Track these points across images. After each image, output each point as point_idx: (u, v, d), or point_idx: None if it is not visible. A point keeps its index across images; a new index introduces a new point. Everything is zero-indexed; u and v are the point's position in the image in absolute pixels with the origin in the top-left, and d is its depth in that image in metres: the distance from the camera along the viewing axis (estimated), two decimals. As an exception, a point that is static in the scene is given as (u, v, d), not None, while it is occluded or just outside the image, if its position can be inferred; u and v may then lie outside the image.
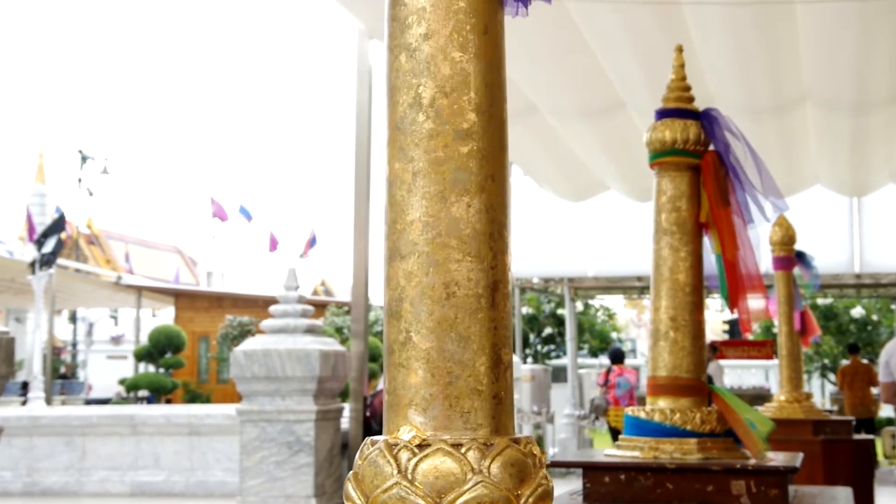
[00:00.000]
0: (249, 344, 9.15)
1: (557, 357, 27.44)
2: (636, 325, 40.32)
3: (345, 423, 9.76)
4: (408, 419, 1.17)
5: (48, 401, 18.97)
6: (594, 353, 29.87)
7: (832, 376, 25.72)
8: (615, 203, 14.00)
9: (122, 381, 24.41)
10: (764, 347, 15.42)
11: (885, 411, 18.94)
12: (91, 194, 35.03)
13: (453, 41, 1.19)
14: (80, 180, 34.02)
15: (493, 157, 1.20)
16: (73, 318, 35.75)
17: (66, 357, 33.61)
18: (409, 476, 1.13)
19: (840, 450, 6.00)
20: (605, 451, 3.43)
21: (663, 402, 3.28)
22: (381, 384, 13.81)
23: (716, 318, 25.81)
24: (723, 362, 16.13)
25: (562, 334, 24.50)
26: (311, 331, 9.30)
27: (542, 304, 26.46)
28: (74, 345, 35.63)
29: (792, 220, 6.23)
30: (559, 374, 22.84)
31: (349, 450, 9.64)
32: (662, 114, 3.43)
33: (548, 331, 26.96)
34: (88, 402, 24.11)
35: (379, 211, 1.27)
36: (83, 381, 30.49)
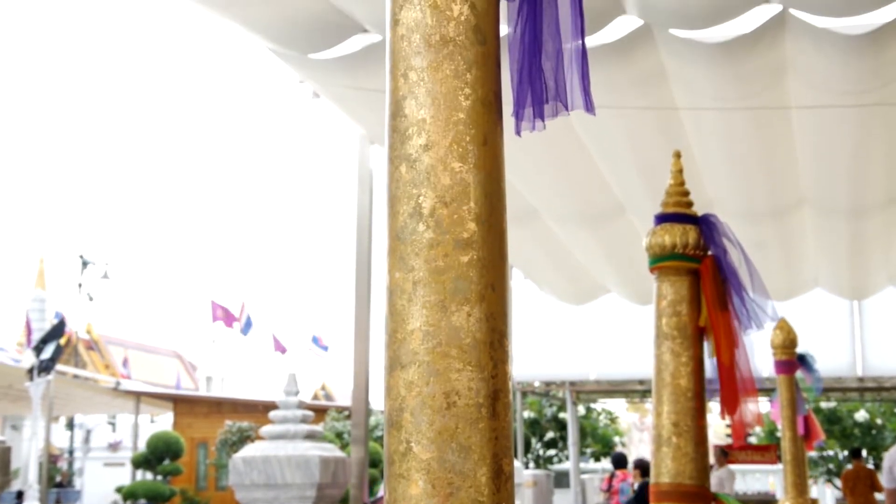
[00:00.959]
0: (248, 450, 9.06)
1: (560, 462, 27.15)
2: (639, 429, 40.00)
3: (345, 530, 9.61)
4: (409, 531, 1.15)
5: (43, 510, 18.70)
6: (597, 458, 29.56)
7: (838, 481, 25.42)
8: (616, 306, 13.99)
9: (118, 490, 24.11)
10: (768, 452, 15.26)
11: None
12: (91, 299, 35.02)
13: (453, 152, 1.20)
14: (80, 285, 34.04)
15: (494, 266, 1.20)
16: (70, 425, 35.47)
17: (63, 465, 33.25)
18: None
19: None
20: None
21: (667, 510, 3.24)
22: (381, 490, 13.64)
23: (718, 422, 25.62)
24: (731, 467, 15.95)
25: (564, 438, 24.28)
26: (311, 436, 9.21)
27: (544, 408, 26.27)
28: (71, 452, 35.29)
29: (793, 324, 6.22)
30: (562, 480, 22.57)
31: (349, 558, 9.48)
32: (662, 218, 3.45)
33: (550, 435, 26.72)
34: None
35: (379, 317, 1.26)
36: (79, 490, 30.12)
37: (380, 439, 19.04)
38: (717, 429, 26.00)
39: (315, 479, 8.70)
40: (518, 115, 1.33)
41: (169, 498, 22.40)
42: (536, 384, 18.60)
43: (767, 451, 15.31)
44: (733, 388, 3.35)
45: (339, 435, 20.78)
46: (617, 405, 31.10)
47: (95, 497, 29.93)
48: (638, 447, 39.65)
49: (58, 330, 22.07)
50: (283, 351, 34.81)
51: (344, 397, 31.54)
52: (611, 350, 16.14)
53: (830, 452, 25.80)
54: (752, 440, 14.98)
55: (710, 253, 3.40)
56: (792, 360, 6.16)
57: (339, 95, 7.52)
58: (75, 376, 28.58)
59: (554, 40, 1.37)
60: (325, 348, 35.79)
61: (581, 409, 24.73)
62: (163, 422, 30.87)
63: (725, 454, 14.68)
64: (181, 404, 27.18)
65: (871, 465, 17.21)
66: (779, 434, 7.62)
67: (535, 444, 26.70)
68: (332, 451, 9.25)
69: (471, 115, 1.24)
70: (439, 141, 1.23)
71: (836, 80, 6.68)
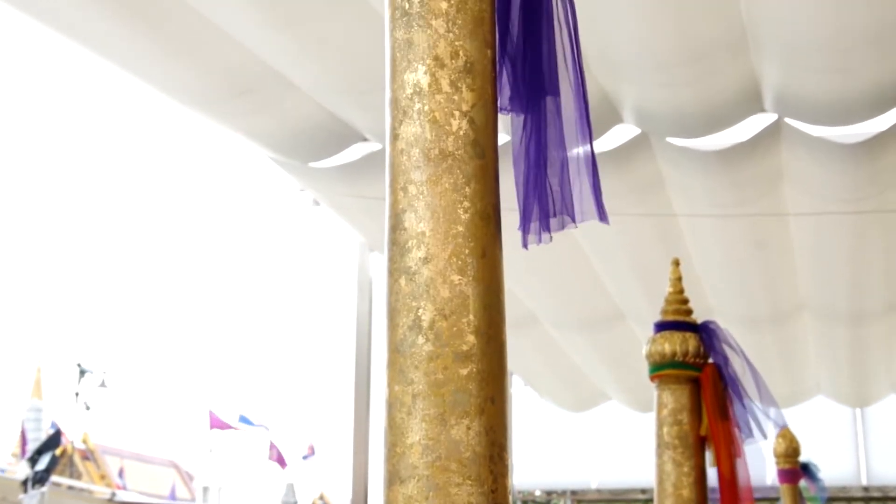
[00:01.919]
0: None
1: (562, 573, 26.66)
2: (642, 539, 39.38)
3: None
4: None
5: None
6: (599, 569, 29.03)
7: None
8: (617, 414, 13.88)
9: None
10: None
11: None
12: (88, 408, 34.77)
13: (452, 265, 1.21)
14: (77, 394, 33.82)
15: (493, 379, 1.20)
16: (64, 537, 34.89)
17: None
18: None
19: None
20: None
21: None
22: None
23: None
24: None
25: (566, 549, 23.88)
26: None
27: (546, 518, 25.89)
28: (66, 564, 34.65)
29: (795, 432, 6.17)
30: (564, 592, 22.13)
31: None
32: (661, 326, 3.45)
33: (551, 546, 26.30)
34: None
35: (379, 427, 1.26)
36: None
37: (379, 550, 18.70)
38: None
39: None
40: (524, 229, 1.34)
41: None
42: (537, 493, 18.35)
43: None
44: (734, 500, 3.32)
45: (337, 546, 20.45)
46: (619, 514, 30.66)
47: None
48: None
49: (53, 440, 21.88)
50: (282, 462, 34.48)
51: (343, 507, 31.10)
52: (612, 458, 15.96)
53: (837, 562, 25.32)
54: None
55: (710, 361, 3.39)
56: (795, 469, 6.10)
57: (339, 203, 7.58)
58: (70, 487, 28.24)
59: (559, 151, 1.38)
60: (311, 455, 35.35)
61: (583, 519, 24.34)
62: (159, 533, 30.37)
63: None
64: (177, 515, 26.79)
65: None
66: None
67: (537, 554, 26.26)
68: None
69: (470, 229, 1.25)
70: (438, 254, 1.24)
71: (832, 187, 6.74)
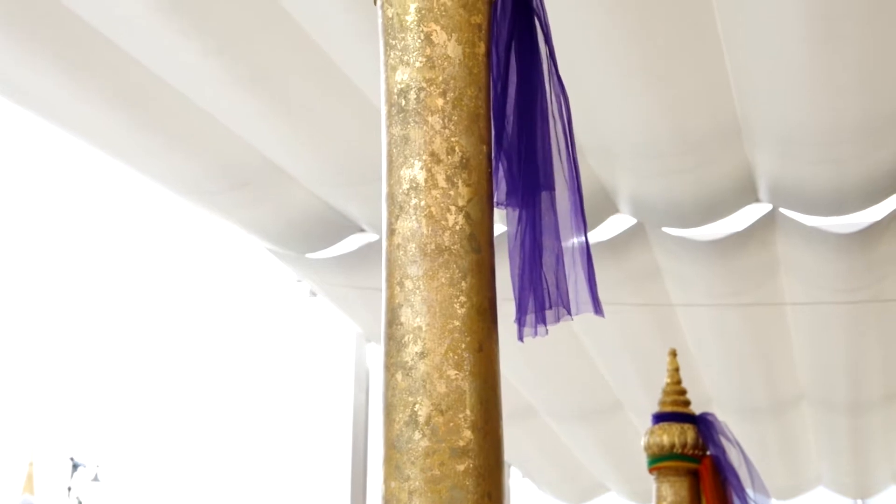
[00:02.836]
0: None
1: None
2: None
3: None
4: None
5: None
6: None
7: None
8: (616, 505, 13.72)
9: None
10: None
11: None
12: (80, 503, 34.32)
13: (449, 359, 1.21)
14: (69, 489, 33.44)
15: (490, 475, 1.19)
16: None
17: None
18: None
19: None
20: None
21: None
22: None
23: None
24: None
25: None
26: None
27: None
28: None
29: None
30: None
31: None
32: (659, 418, 3.44)
33: None
34: None
35: (376, 525, 1.24)
36: None
37: None
38: None
39: None
40: (520, 322, 1.34)
41: None
42: (537, 587, 18.07)
43: None
44: None
45: None
46: None
47: None
48: None
49: (46, 534, 21.54)
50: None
51: None
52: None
53: None
54: None
55: (709, 453, 3.37)
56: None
57: (336, 294, 7.58)
58: (63, 581, 27.74)
59: (554, 244, 1.39)
60: None
61: None
62: None
63: None
64: None
65: None
66: None
67: None
68: None
69: (466, 323, 1.25)
70: (435, 349, 1.23)
71: (828, 277, 6.75)
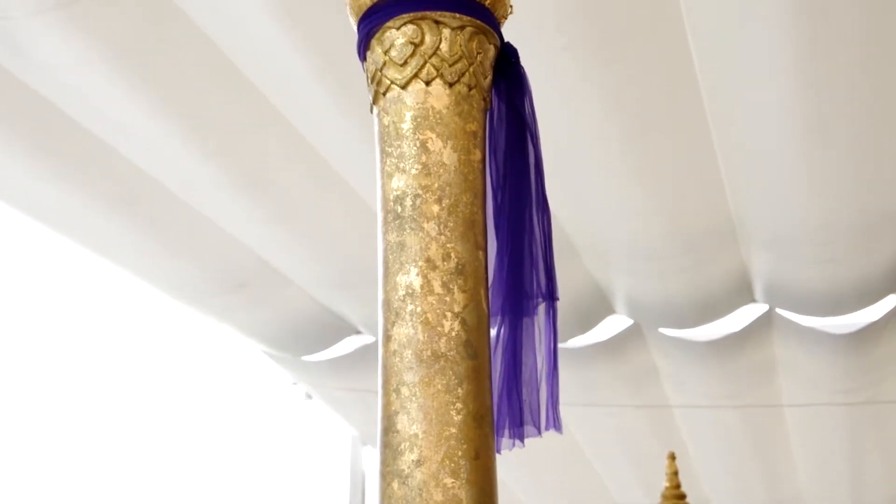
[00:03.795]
0: None
1: None
2: None
3: None
4: None
5: None
6: None
7: None
8: None
9: None
10: None
11: None
12: None
13: (445, 467, 1.20)
14: None
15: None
16: None
17: None
18: None
19: None
20: None
21: None
22: None
23: None
24: None
25: None
26: None
27: None
28: None
29: None
30: None
31: None
32: (659, 524, 3.39)
33: None
34: None
35: None
36: None
37: None
38: None
39: None
40: (499, 433, 1.34)
41: None
42: None
43: None
44: None
45: None
46: None
47: None
48: None
49: None
50: None
51: None
52: None
53: None
54: None
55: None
56: None
57: (331, 397, 7.54)
58: None
59: (534, 359, 1.40)
60: None
61: None
62: None
63: None
64: None
65: None
66: None
67: None
68: None
69: (462, 430, 1.24)
70: (431, 456, 1.22)
71: (825, 378, 6.72)
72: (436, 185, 1.35)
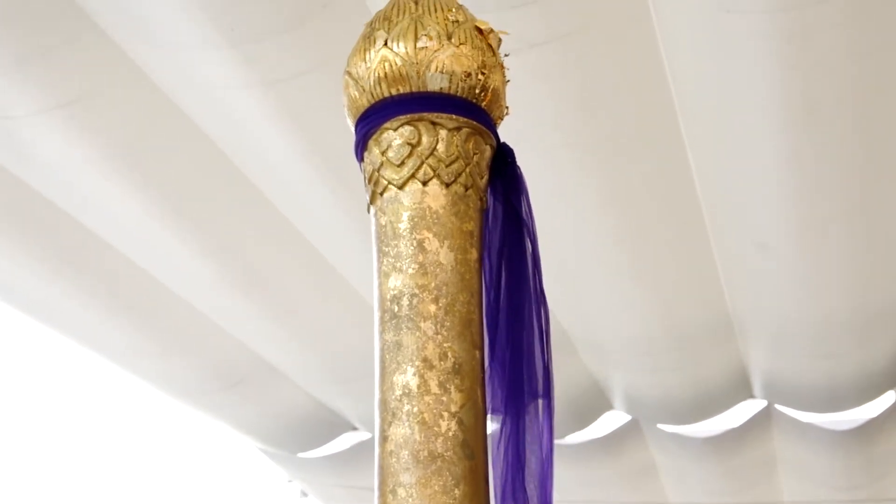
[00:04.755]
0: None
1: None
2: None
3: None
4: None
5: None
6: None
7: None
8: None
9: None
10: None
11: None
12: None
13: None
14: None
15: None
16: None
17: None
18: None
19: None
20: None
21: None
22: None
23: None
24: None
25: None
26: None
27: None
28: None
29: None
30: None
31: None
32: None
33: None
34: None
35: None
36: None
37: None
38: None
39: None
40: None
41: None
42: None
43: None
44: None
45: None
46: None
47: None
48: None
49: None
50: None
51: None
52: None
53: None
54: None
55: None
56: None
57: (328, 494, 7.46)
58: None
59: (538, 456, 1.39)
60: None
61: None
62: None
63: None
64: None
65: None
66: None
67: None
68: None
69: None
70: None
71: (825, 474, 6.66)
72: (432, 284, 1.35)
